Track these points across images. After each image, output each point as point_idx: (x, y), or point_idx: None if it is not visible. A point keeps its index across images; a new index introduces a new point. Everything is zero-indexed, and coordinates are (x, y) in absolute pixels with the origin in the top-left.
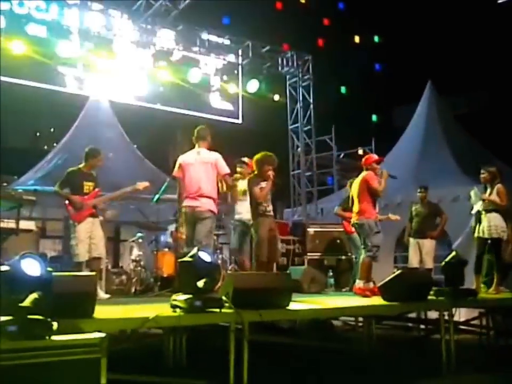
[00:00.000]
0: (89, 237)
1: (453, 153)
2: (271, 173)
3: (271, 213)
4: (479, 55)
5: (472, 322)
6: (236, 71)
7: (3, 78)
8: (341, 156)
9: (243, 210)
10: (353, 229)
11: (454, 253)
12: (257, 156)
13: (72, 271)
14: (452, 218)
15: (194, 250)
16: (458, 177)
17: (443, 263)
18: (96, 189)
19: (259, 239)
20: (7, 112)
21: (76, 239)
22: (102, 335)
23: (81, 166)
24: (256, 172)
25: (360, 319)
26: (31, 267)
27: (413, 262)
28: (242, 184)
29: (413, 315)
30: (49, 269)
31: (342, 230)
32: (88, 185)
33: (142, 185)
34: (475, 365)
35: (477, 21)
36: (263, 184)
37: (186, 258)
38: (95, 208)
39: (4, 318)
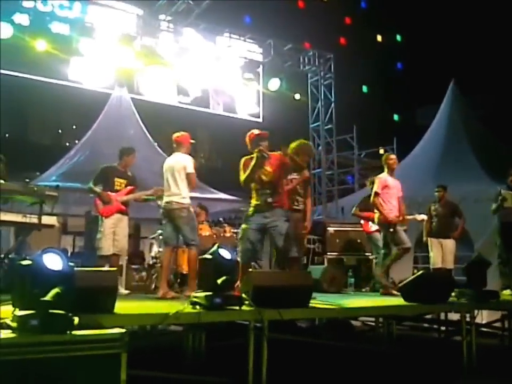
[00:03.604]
0: (113, 233)
1: (475, 154)
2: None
3: (300, 207)
4: (503, 54)
5: (494, 324)
6: (257, 70)
7: (25, 75)
8: (362, 155)
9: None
10: (373, 229)
11: (477, 254)
12: (292, 145)
13: (95, 265)
14: (474, 218)
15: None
16: (480, 177)
17: (466, 264)
18: (129, 187)
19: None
20: (29, 109)
21: (101, 233)
22: (123, 330)
23: (115, 163)
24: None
25: (380, 319)
26: (53, 262)
27: (437, 262)
28: None
29: (433, 316)
30: (70, 264)
31: (362, 229)
32: (119, 182)
33: None
34: (497, 367)
35: (502, 20)
36: (295, 175)
37: (206, 256)
38: (126, 206)
39: (26, 312)
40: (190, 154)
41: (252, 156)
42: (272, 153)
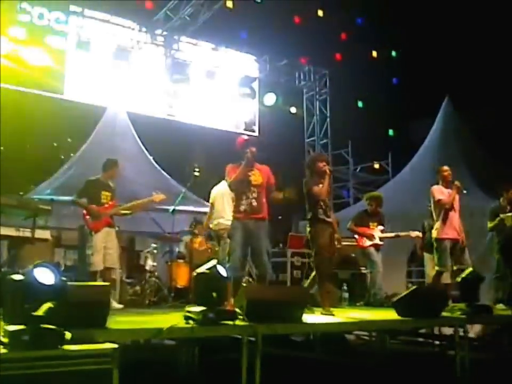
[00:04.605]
0: (104, 247)
1: (469, 169)
2: (326, 168)
3: (332, 219)
4: (496, 70)
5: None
6: (253, 85)
7: (21, 89)
8: (357, 170)
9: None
10: (367, 243)
11: (470, 269)
12: (307, 160)
13: (86, 280)
14: (468, 233)
15: (213, 262)
16: (474, 192)
17: (459, 278)
18: (114, 201)
19: (318, 249)
20: (25, 123)
21: (92, 248)
22: (115, 345)
23: (99, 176)
24: (310, 174)
25: (374, 333)
26: (45, 276)
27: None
28: None
29: (427, 330)
30: (63, 278)
31: (356, 243)
32: (106, 195)
33: (158, 197)
34: (490, 382)
35: (496, 35)
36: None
37: (201, 270)
38: (112, 218)
39: (17, 327)
40: None
41: (239, 163)
42: (261, 165)
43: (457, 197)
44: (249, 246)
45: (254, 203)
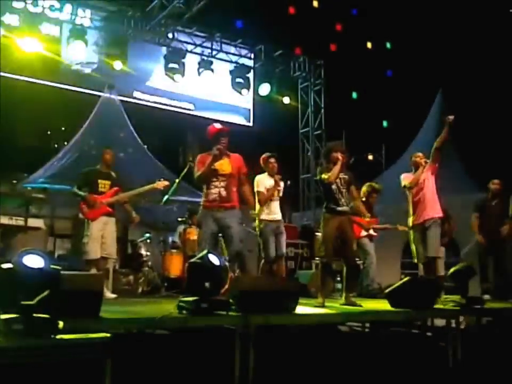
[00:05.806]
0: (101, 236)
1: (462, 161)
2: (340, 156)
3: (344, 209)
4: (491, 63)
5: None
6: (248, 74)
7: (14, 76)
8: (351, 161)
9: None
10: (362, 234)
11: (464, 262)
12: (323, 149)
13: (81, 269)
14: (460, 225)
15: (204, 252)
16: (467, 184)
17: (451, 270)
18: (114, 188)
19: (322, 237)
20: (18, 110)
21: (88, 236)
22: (108, 335)
23: (98, 166)
24: (326, 163)
25: (367, 324)
26: (34, 263)
27: None
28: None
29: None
30: (55, 266)
31: None
32: (103, 183)
33: (161, 184)
34: (482, 373)
35: (490, 28)
36: (342, 174)
37: (195, 260)
38: (112, 207)
39: (9, 316)
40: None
41: (209, 152)
42: (232, 154)
43: (428, 174)
44: (219, 234)
45: (223, 192)
